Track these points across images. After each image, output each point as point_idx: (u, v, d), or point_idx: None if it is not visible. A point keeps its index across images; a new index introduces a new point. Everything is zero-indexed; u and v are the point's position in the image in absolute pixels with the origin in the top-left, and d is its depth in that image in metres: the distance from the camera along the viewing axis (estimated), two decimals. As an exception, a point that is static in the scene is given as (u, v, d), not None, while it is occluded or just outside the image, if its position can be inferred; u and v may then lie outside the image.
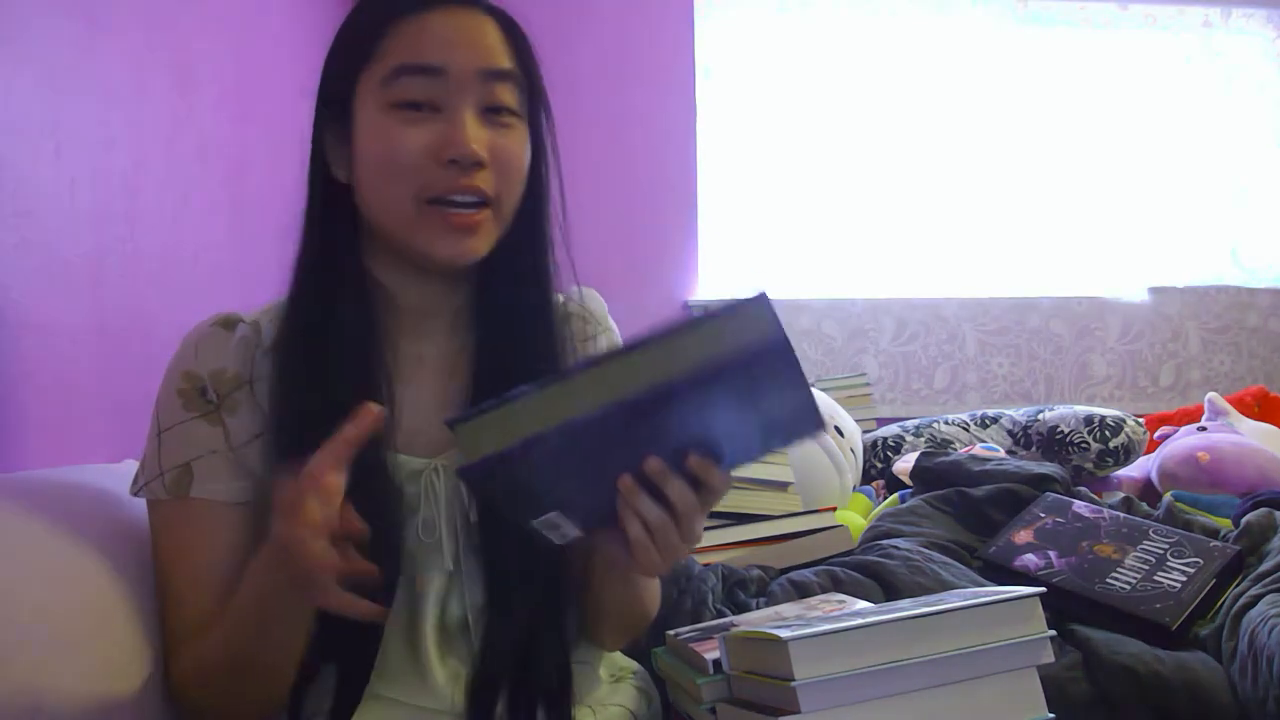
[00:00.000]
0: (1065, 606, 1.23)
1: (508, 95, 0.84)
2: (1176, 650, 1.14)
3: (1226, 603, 1.20)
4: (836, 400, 2.09)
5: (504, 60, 0.84)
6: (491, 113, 0.83)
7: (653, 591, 0.94)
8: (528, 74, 0.87)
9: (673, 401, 0.66)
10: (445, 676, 0.87)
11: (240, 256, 1.78)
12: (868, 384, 2.48)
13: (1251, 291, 3.05)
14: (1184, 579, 1.22)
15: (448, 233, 0.82)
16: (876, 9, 2.98)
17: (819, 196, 2.94)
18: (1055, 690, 1.03)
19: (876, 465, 2.19)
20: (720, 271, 2.90)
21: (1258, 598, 1.16)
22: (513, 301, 0.89)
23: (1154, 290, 3.01)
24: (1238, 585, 1.23)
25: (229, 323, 0.88)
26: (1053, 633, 0.83)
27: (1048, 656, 0.82)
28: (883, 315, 2.92)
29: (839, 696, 0.77)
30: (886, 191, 2.96)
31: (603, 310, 1.00)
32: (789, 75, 2.94)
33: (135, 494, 0.86)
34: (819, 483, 1.77)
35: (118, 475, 1.08)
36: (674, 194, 2.86)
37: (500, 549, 0.86)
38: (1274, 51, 3.12)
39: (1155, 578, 1.24)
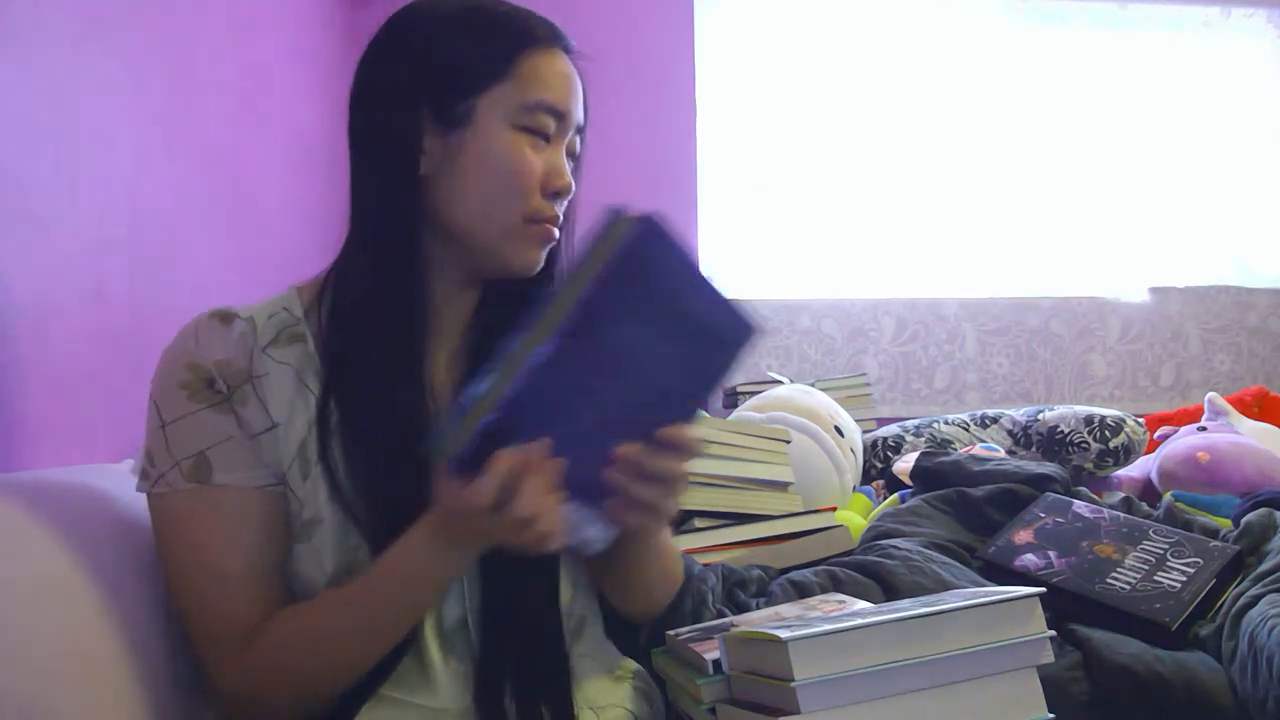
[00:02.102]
0: (1065, 606, 1.23)
1: (578, 145, 0.95)
2: (1176, 650, 1.14)
3: (1226, 603, 1.20)
4: (836, 400, 2.09)
5: (583, 117, 0.94)
6: (570, 157, 0.93)
7: (672, 547, 1.03)
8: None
9: (604, 324, 0.73)
10: (448, 676, 0.88)
11: (240, 256, 1.78)
12: (868, 384, 2.48)
13: (1251, 291, 3.05)
14: (1184, 579, 1.23)
15: (535, 246, 0.91)
16: (877, 10, 2.98)
17: (819, 196, 2.94)
18: (1055, 690, 1.03)
19: (876, 465, 2.19)
20: (720, 271, 2.90)
21: (1258, 598, 1.16)
22: (512, 313, 0.92)
23: (1154, 290, 3.01)
24: (1238, 585, 1.23)
25: (226, 317, 0.88)
26: (1052, 633, 0.83)
27: (1047, 656, 0.82)
28: (883, 315, 2.92)
29: (839, 697, 0.77)
30: (887, 191, 2.96)
31: None
32: (789, 75, 2.94)
33: (149, 489, 0.85)
34: (819, 483, 1.77)
35: (118, 475, 1.08)
36: (674, 194, 2.86)
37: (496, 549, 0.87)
38: (1274, 51, 3.12)
39: (1155, 578, 1.24)
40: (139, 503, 0.88)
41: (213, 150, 1.65)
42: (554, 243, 0.92)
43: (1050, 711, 0.82)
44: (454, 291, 0.94)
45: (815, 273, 2.93)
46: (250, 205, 1.83)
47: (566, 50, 0.92)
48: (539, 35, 0.90)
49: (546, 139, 0.90)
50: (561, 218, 0.92)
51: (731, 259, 2.91)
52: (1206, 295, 3.03)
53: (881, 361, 2.91)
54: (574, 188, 0.93)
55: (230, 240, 1.74)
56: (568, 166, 0.92)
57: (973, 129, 2.99)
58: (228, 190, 1.72)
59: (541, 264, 0.93)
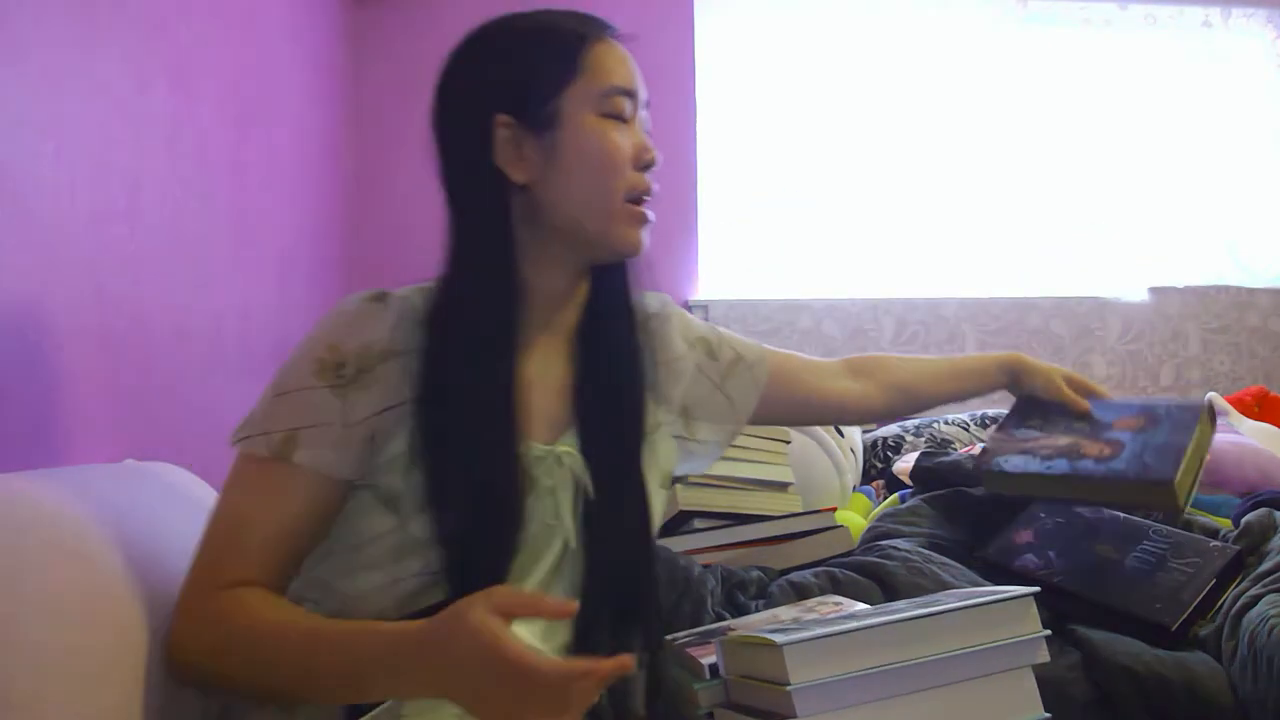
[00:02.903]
0: (1065, 607, 1.23)
1: (647, 118, 1.01)
2: (1176, 650, 1.14)
3: (1226, 603, 1.20)
4: (836, 400, 2.08)
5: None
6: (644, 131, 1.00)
7: None
8: None
9: None
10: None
11: (240, 256, 1.78)
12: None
13: (1251, 291, 3.05)
14: (1184, 579, 1.22)
15: (638, 227, 0.96)
16: (877, 10, 2.98)
17: (819, 196, 2.94)
18: (1055, 690, 1.03)
19: (876, 465, 2.19)
20: (720, 271, 2.90)
21: (1258, 598, 1.16)
22: (619, 295, 1.01)
23: (1154, 290, 3.01)
24: (1238, 585, 1.23)
25: (380, 297, 0.92)
26: (1047, 632, 0.83)
27: (1043, 656, 0.83)
28: (883, 315, 2.92)
29: (835, 700, 0.77)
30: (886, 191, 2.96)
31: (670, 303, 1.14)
32: (789, 75, 2.94)
33: (234, 444, 0.89)
34: (819, 483, 1.77)
35: (118, 475, 1.08)
36: (674, 194, 2.85)
37: (607, 533, 0.96)
38: (1274, 51, 3.11)
39: (1155, 578, 1.24)
40: (137, 501, 0.89)
41: (213, 150, 1.65)
42: (650, 222, 0.97)
43: (1051, 711, 0.82)
44: (562, 285, 0.99)
45: (815, 273, 2.93)
46: (250, 205, 1.83)
47: (615, 36, 0.99)
48: (593, 29, 0.97)
49: (624, 119, 0.96)
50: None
51: (732, 259, 2.91)
52: (1206, 295, 3.03)
53: (881, 361, 2.90)
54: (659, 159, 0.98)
55: (230, 240, 1.74)
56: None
57: (972, 129, 2.99)
58: (228, 190, 1.72)
59: (645, 244, 0.97)
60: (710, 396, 1.13)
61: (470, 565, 0.88)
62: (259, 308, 1.89)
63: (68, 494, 0.90)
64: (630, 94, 0.96)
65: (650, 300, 1.08)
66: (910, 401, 1.33)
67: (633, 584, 0.97)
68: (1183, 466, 1.20)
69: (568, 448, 0.96)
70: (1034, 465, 1.27)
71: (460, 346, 0.90)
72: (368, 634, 0.79)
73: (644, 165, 0.96)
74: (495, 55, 0.96)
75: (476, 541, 0.89)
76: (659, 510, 1.04)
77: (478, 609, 0.70)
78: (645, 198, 0.97)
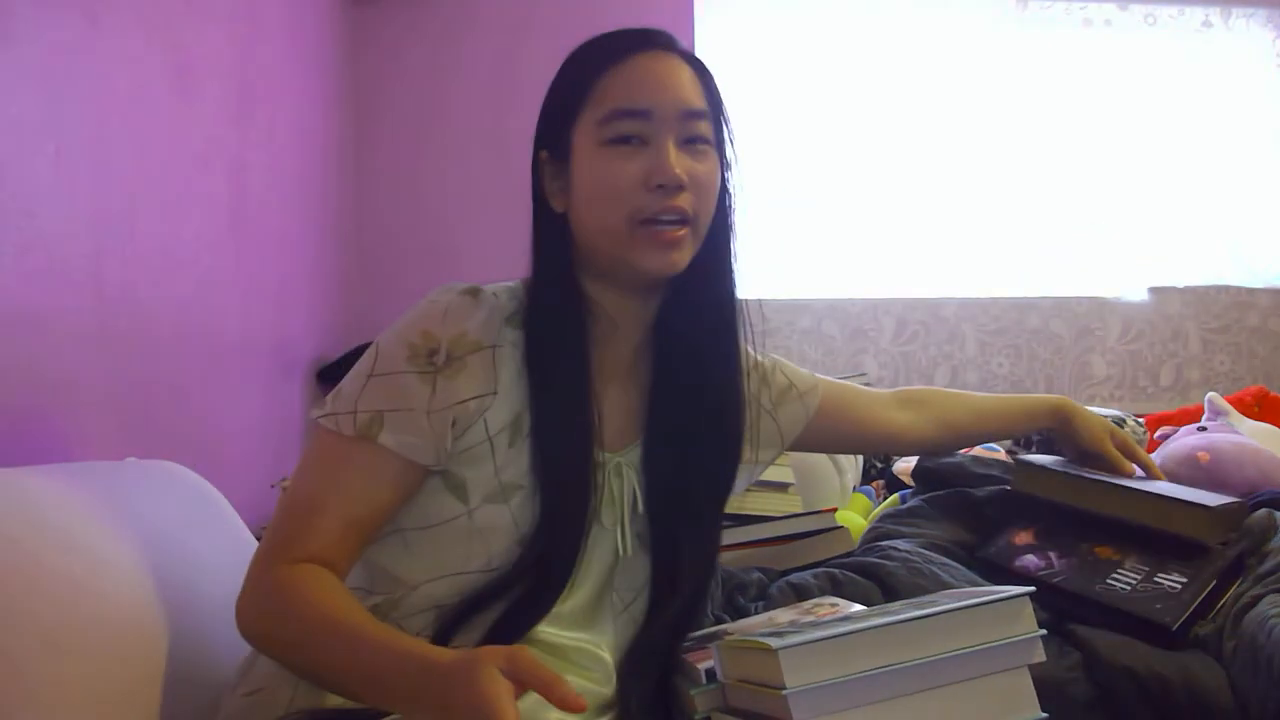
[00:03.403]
0: (1065, 607, 1.23)
1: (703, 128, 0.97)
2: (1177, 650, 1.14)
3: (1227, 603, 1.20)
4: (836, 400, 2.08)
5: (698, 100, 0.98)
6: (688, 143, 0.96)
7: None
8: (716, 109, 1.01)
9: None
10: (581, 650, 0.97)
11: (240, 256, 1.78)
12: (868, 384, 2.48)
13: (1251, 291, 3.05)
14: (1184, 580, 1.22)
15: (658, 248, 0.94)
16: (877, 10, 2.97)
17: (819, 196, 2.93)
18: (1055, 691, 1.03)
19: (876, 465, 2.18)
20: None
21: (1258, 598, 1.16)
22: (699, 315, 1.02)
23: (1154, 290, 3.01)
24: (1239, 586, 1.23)
25: (474, 291, 0.96)
26: (1043, 632, 0.83)
27: (1039, 655, 0.83)
28: (883, 315, 2.92)
29: (831, 703, 0.77)
30: (887, 191, 2.96)
31: (783, 384, 1.19)
32: (789, 76, 2.94)
33: (320, 420, 0.92)
34: (819, 483, 1.77)
35: (119, 473, 1.08)
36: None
37: (668, 536, 1.01)
38: (1274, 51, 3.11)
39: (1155, 579, 1.24)
40: (137, 502, 0.89)
41: (213, 150, 1.65)
42: (680, 240, 0.95)
43: (1051, 712, 0.82)
44: (624, 302, 1.00)
45: (815, 273, 2.93)
46: (250, 205, 1.83)
47: (655, 48, 0.98)
48: (617, 50, 0.97)
49: (630, 140, 0.94)
50: (691, 210, 0.95)
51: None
52: (1206, 295, 3.03)
53: (881, 361, 2.91)
54: (688, 176, 0.94)
55: (230, 240, 1.74)
56: (683, 156, 0.94)
57: (973, 129, 2.99)
58: (228, 190, 1.72)
59: (681, 264, 0.96)
60: (757, 421, 1.14)
61: (539, 559, 0.92)
62: (259, 307, 1.89)
63: (69, 491, 0.90)
64: (639, 113, 0.94)
65: (766, 362, 1.15)
66: (958, 439, 1.36)
67: (687, 598, 1.01)
68: (1223, 511, 1.26)
69: (627, 459, 1.01)
70: (1070, 466, 1.31)
71: (543, 348, 0.96)
72: (404, 650, 0.78)
73: (657, 185, 0.93)
74: (551, 87, 1.00)
75: (550, 533, 0.93)
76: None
77: (491, 666, 0.69)
78: (661, 218, 0.94)
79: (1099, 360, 2.99)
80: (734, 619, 1.21)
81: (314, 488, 0.91)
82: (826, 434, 1.23)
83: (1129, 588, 1.23)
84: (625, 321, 1.02)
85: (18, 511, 0.82)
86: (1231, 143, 3.07)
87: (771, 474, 1.59)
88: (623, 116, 0.94)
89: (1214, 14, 3.08)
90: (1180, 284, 3.03)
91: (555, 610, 0.95)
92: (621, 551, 1.00)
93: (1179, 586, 1.21)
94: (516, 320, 0.97)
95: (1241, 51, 3.10)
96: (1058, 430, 1.38)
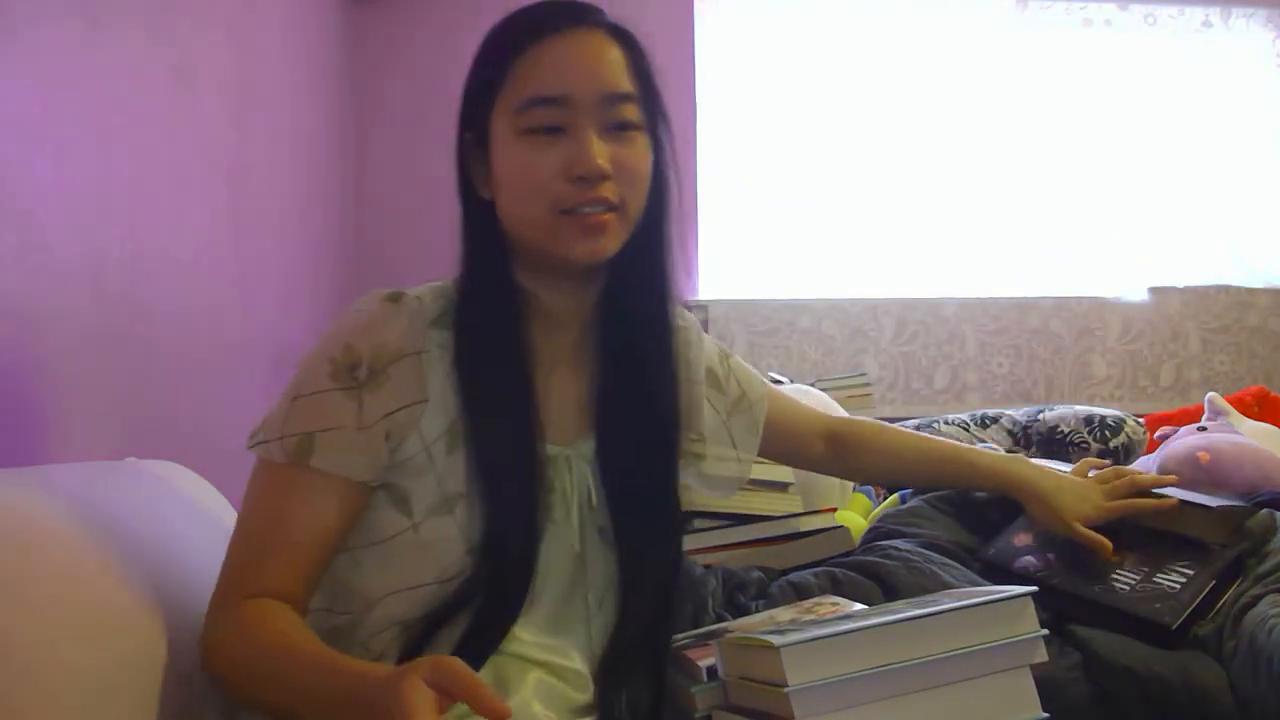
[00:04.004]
0: (1065, 608, 1.23)
1: (629, 112, 0.91)
2: (1176, 650, 1.14)
3: (1227, 603, 1.20)
4: (836, 400, 2.09)
5: (623, 83, 0.91)
6: (613, 129, 0.90)
7: None
8: (646, 88, 0.94)
9: None
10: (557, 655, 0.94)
11: (240, 256, 1.78)
12: (868, 384, 2.47)
13: (1251, 291, 3.05)
14: (1184, 580, 1.22)
15: (582, 235, 0.89)
16: (877, 10, 2.97)
17: (819, 196, 2.94)
18: (1055, 691, 1.03)
19: (876, 465, 2.18)
20: (720, 272, 2.90)
21: (1258, 598, 1.16)
22: (634, 302, 0.98)
23: (1154, 290, 3.01)
24: (1239, 586, 1.23)
25: (395, 297, 0.92)
26: (1045, 632, 0.83)
27: (1041, 655, 0.83)
28: (883, 315, 2.92)
29: (833, 701, 0.77)
30: (886, 191, 2.96)
31: (695, 325, 1.11)
32: (789, 76, 2.94)
33: (251, 448, 0.90)
34: (819, 483, 1.77)
35: (119, 472, 1.08)
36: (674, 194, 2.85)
37: (629, 529, 0.97)
38: (1274, 51, 3.11)
39: (1155, 579, 1.24)
40: (137, 500, 0.89)
41: (213, 150, 1.65)
42: (606, 225, 0.90)
43: (1051, 712, 0.82)
44: (561, 293, 0.96)
45: (815, 273, 2.93)
46: (250, 205, 1.83)
47: (576, 25, 0.91)
48: (533, 29, 0.90)
49: (553, 130, 0.88)
50: (617, 197, 0.90)
51: (732, 259, 2.91)
52: (1206, 295, 3.03)
53: (881, 361, 2.91)
54: (612, 164, 0.89)
55: (230, 240, 1.74)
56: (606, 143, 0.89)
57: (972, 129, 2.99)
58: (228, 190, 1.72)
59: (609, 250, 0.91)
60: (718, 430, 1.12)
61: (493, 567, 0.89)
62: (260, 306, 1.89)
63: (69, 491, 0.90)
64: (556, 99, 0.88)
65: (679, 317, 1.06)
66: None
67: (656, 591, 0.98)
68: (1226, 513, 1.27)
69: (579, 452, 0.97)
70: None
71: (476, 353, 0.91)
72: (343, 668, 0.78)
73: (579, 177, 0.88)
74: (472, 64, 0.95)
75: (499, 541, 0.89)
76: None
77: (415, 676, 0.68)
78: (584, 208, 0.89)
79: (1099, 360, 2.99)
80: (734, 617, 1.21)
81: (258, 522, 0.89)
82: (771, 450, 1.23)
83: (1128, 588, 1.23)
84: (562, 312, 0.98)
85: (18, 511, 0.82)
86: (1231, 143, 3.07)
87: (771, 474, 1.58)
88: (539, 104, 0.88)
89: (1214, 14, 3.08)
90: (1180, 284, 3.03)
91: (526, 617, 0.92)
92: (577, 549, 0.96)
93: (1178, 587, 1.21)
94: (445, 321, 0.93)
95: (1241, 51, 3.10)
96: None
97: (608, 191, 0.89)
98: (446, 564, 0.89)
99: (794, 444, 1.27)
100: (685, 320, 1.08)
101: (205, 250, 1.61)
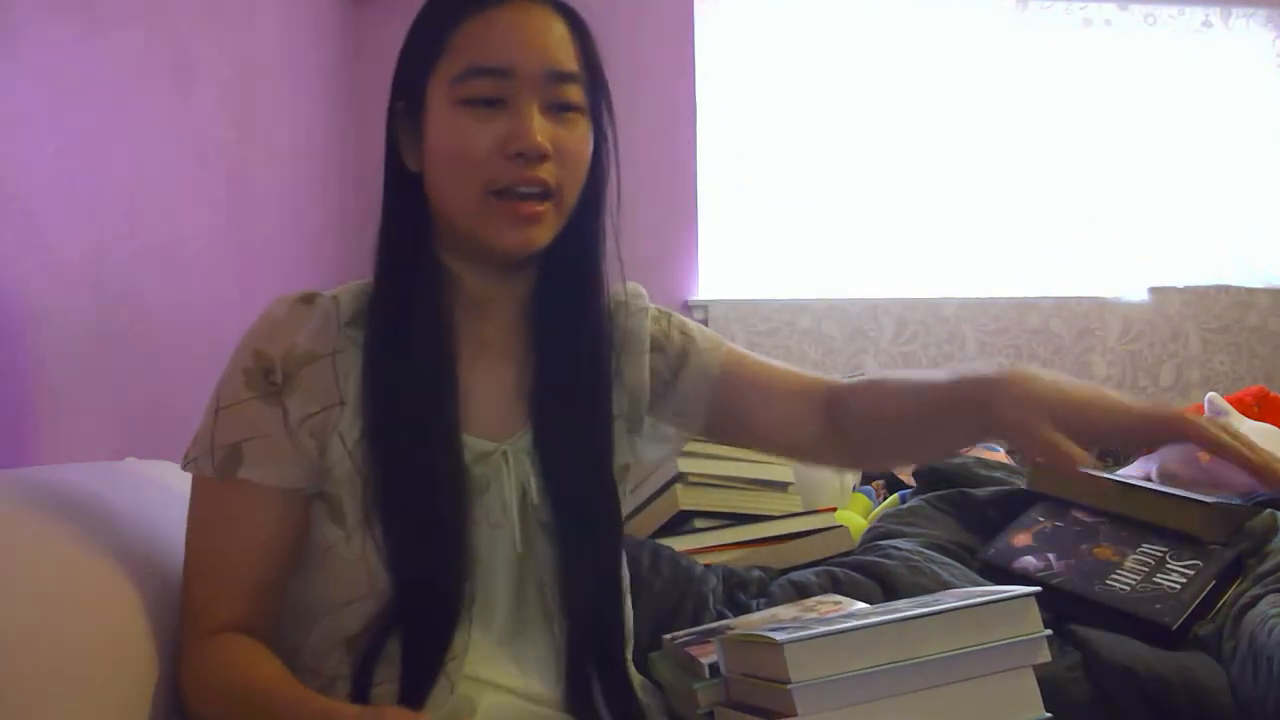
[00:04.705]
0: (1065, 608, 1.23)
1: (573, 93, 0.86)
2: (1176, 650, 1.14)
3: (1227, 603, 1.20)
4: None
5: (569, 61, 0.86)
6: (555, 109, 0.86)
7: None
8: (592, 71, 0.89)
9: None
10: (523, 659, 0.89)
11: (240, 256, 1.78)
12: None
13: (1251, 291, 3.05)
14: (1184, 580, 1.22)
15: (513, 223, 0.84)
16: (877, 10, 2.98)
17: (819, 196, 2.94)
18: (1055, 690, 1.03)
19: (876, 465, 2.18)
20: (720, 272, 2.90)
21: (1258, 598, 1.16)
22: (568, 290, 0.92)
23: (1154, 290, 3.01)
24: (1239, 586, 1.23)
25: (308, 298, 0.88)
26: (1049, 632, 0.83)
27: (1044, 656, 0.82)
28: (883, 315, 2.92)
29: (835, 698, 0.77)
30: (886, 191, 2.96)
31: (642, 296, 1.03)
32: (789, 75, 2.94)
33: (185, 468, 0.86)
34: (819, 483, 1.77)
35: (117, 474, 1.08)
36: (674, 194, 2.86)
37: (569, 524, 0.90)
38: (1274, 51, 3.12)
39: (1155, 579, 1.24)
40: (136, 500, 0.89)
41: (213, 150, 1.65)
42: (540, 216, 0.85)
43: (1051, 712, 0.82)
44: (489, 279, 0.91)
45: (815, 273, 2.94)
46: (250, 205, 1.83)
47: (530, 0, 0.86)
48: None
49: (493, 103, 0.83)
50: (554, 181, 0.85)
51: (732, 259, 2.91)
52: (1206, 295, 3.03)
53: (881, 361, 2.91)
54: (552, 145, 0.84)
55: (230, 240, 1.74)
56: (548, 123, 0.84)
57: (972, 129, 2.99)
58: (228, 190, 1.72)
59: (540, 240, 0.86)
60: (664, 392, 1.01)
61: (408, 579, 0.84)
62: (260, 306, 1.89)
63: (69, 491, 0.90)
64: (498, 71, 0.83)
65: (622, 290, 1.00)
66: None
67: (603, 588, 0.92)
68: (1227, 510, 1.28)
69: (516, 446, 0.90)
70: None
71: (391, 341, 0.86)
72: (314, 709, 0.76)
73: (515, 153, 0.83)
74: (410, 29, 0.91)
75: (409, 551, 0.84)
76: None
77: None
78: (519, 189, 0.83)
79: (1099, 360, 2.99)
80: (735, 615, 1.21)
81: (203, 547, 0.86)
82: (727, 416, 1.02)
83: (1129, 588, 1.23)
84: (490, 298, 0.92)
85: (17, 511, 0.82)
86: (1231, 143, 3.07)
87: (771, 474, 1.58)
88: (480, 74, 0.83)
89: (1214, 14, 3.08)
90: (1180, 284, 3.03)
91: (482, 628, 0.87)
92: (520, 549, 0.89)
93: (1179, 586, 1.21)
94: (362, 320, 0.88)
95: (1241, 51, 3.10)
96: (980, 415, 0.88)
97: (545, 173, 0.84)
98: (376, 577, 0.84)
99: (774, 404, 1.01)
100: (630, 290, 1.01)
101: (205, 249, 1.61)
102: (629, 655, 0.96)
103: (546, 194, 0.85)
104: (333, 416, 0.85)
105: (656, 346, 1.01)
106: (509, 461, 0.89)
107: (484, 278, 0.90)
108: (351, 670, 0.85)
